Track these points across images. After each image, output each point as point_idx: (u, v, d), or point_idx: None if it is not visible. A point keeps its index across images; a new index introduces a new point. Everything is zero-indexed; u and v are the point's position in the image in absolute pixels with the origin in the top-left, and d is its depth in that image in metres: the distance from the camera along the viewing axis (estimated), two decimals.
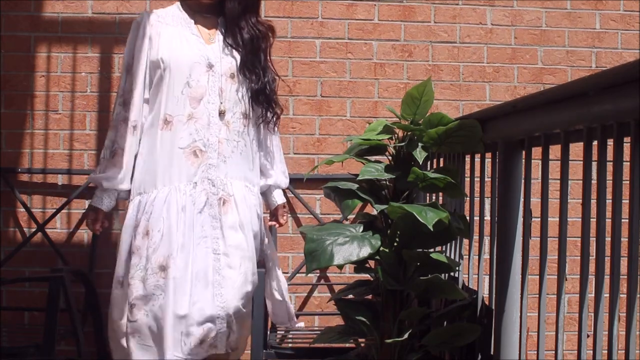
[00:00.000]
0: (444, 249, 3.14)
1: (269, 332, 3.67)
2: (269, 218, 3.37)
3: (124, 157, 3.02)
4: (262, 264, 3.30)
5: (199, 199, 2.99)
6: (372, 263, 2.82)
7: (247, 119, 3.10)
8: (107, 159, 3.06)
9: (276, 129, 3.25)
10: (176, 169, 3.00)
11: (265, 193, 3.33)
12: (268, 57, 3.14)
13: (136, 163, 3.05)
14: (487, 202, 2.87)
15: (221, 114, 3.02)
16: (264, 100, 3.11)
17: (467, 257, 2.89)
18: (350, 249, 2.59)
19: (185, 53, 3.02)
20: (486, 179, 2.75)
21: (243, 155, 3.09)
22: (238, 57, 3.07)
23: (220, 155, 3.03)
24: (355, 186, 2.78)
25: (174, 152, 2.99)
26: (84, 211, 4.09)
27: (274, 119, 3.19)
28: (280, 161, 3.32)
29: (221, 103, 3.02)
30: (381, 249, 2.63)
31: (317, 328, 4.19)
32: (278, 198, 3.34)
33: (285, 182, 3.35)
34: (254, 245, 3.12)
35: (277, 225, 3.38)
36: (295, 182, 4.07)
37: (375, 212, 2.80)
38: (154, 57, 3.02)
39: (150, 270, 2.93)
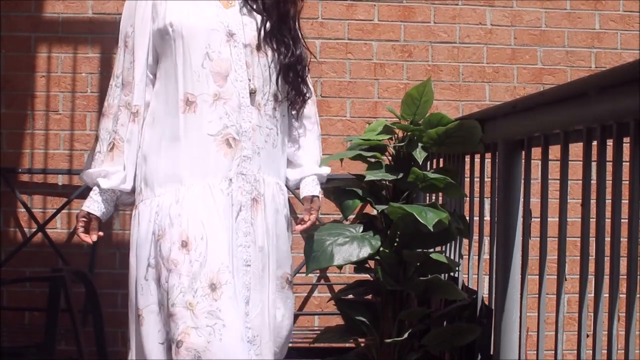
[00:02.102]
0: (443, 249, 3.14)
1: None
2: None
3: (125, 150, 2.44)
4: None
5: (236, 200, 2.39)
6: (372, 263, 2.83)
7: (277, 102, 2.51)
8: (103, 152, 2.44)
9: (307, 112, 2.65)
10: (207, 160, 2.40)
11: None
12: (298, 26, 2.59)
13: (139, 158, 2.46)
14: (487, 202, 2.87)
15: (252, 94, 2.43)
16: (294, 79, 2.54)
17: (467, 257, 2.89)
18: (350, 249, 2.60)
19: (200, 17, 2.43)
20: (486, 179, 2.76)
21: (275, 146, 2.52)
22: (262, 24, 2.50)
23: (254, 146, 2.43)
24: (355, 186, 2.79)
25: (202, 140, 2.38)
26: None
27: (302, 102, 2.60)
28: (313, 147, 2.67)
29: (249, 80, 2.43)
30: (381, 249, 2.63)
31: (317, 328, 4.19)
32: (308, 189, 2.62)
33: (319, 170, 2.65)
34: (286, 249, 2.54)
35: (303, 223, 2.58)
36: None
37: (375, 213, 2.80)
38: (160, 25, 2.43)
39: (200, 291, 2.26)
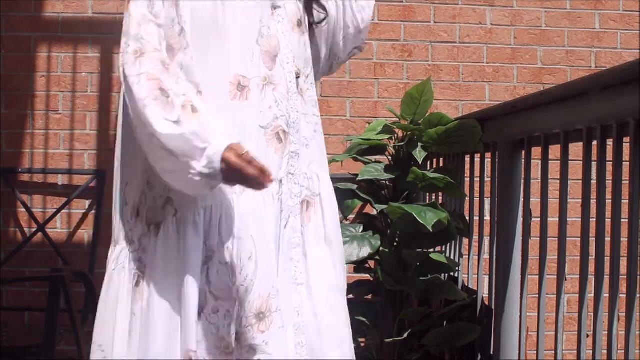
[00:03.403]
0: (443, 249, 3.15)
1: None
2: None
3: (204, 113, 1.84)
4: None
5: (286, 205, 1.97)
6: (372, 263, 2.83)
7: (314, 83, 2.15)
8: (184, 113, 1.81)
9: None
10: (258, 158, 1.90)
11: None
12: None
13: None
14: (487, 202, 2.87)
15: (297, 77, 2.04)
16: (343, 54, 2.23)
17: (467, 257, 2.89)
18: (350, 249, 2.60)
19: None
20: (486, 179, 2.76)
21: (322, 136, 2.13)
22: None
23: (302, 138, 2.03)
24: (355, 186, 2.79)
25: (254, 134, 1.93)
26: (84, 211, 4.09)
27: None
28: None
29: (293, 61, 2.02)
30: (381, 249, 2.64)
31: None
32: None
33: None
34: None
35: None
36: None
37: (375, 212, 2.80)
38: None
39: (244, 321, 1.85)
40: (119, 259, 1.94)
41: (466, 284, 2.92)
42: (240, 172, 1.78)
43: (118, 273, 1.93)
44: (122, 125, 1.97)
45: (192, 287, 1.83)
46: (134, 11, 1.88)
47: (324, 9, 2.14)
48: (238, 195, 1.90)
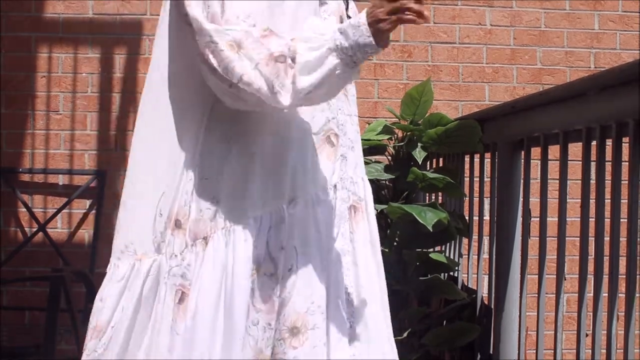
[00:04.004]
0: (443, 248, 3.15)
1: None
2: None
3: None
4: None
5: (338, 211, 1.88)
6: None
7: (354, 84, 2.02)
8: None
9: None
10: (310, 166, 1.85)
11: None
12: None
13: (216, 167, 1.79)
14: (487, 202, 2.88)
15: None
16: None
17: (467, 256, 2.90)
18: None
19: None
20: (485, 179, 2.76)
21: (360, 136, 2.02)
22: None
23: (348, 140, 1.93)
24: None
25: (306, 140, 1.84)
26: (84, 211, 4.10)
27: None
28: None
29: None
30: (381, 248, 2.64)
31: None
32: None
33: None
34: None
35: None
36: None
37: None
38: None
39: (278, 334, 1.78)
40: (150, 271, 1.80)
41: (466, 284, 2.92)
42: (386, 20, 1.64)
43: (151, 287, 1.79)
44: (159, 133, 1.81)
45: (239, 302, 1.75)
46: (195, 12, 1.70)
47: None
48: (287, 205, 1.80)
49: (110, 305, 1.81)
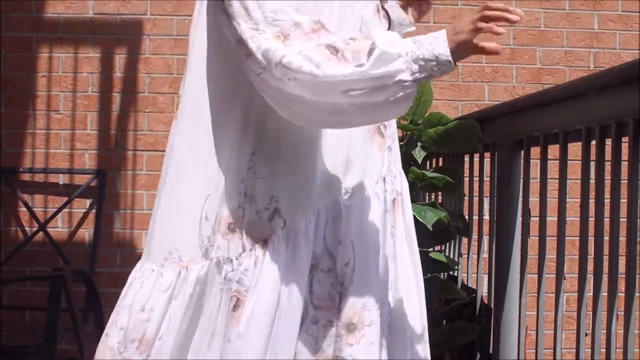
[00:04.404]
0: (443, 248, 3.16)
1: None
2: None
3: None
4: None
5: (389, 205, 1.84)
6: None
7: None
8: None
9: None
10: (362, 156, 1.79)
11: None
12: None
13: (272, 166, 1.71)
14: (486, 201, 2.89)
15: None
16: None
17: (467, 256, 2.90)
18: None
19: None
20: (485, 179, 2.77)
21: None
22: None
23: (392, 133, 1.88)
24: None
25: (359, 132, 1.77)
26: (85, 210, 4.10)
27: None
28: None
29: None
30: None
31: None
32: None
33: None
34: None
35: None
36: None
37: None
38: None
39: (335, 331, 1.73)
40: (199, 279, 1.70)
41: (465, 283, 2.93)
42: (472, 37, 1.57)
43: (200, 295, 1.70)
44: (203, 135, 1.74)
45: (297, 300, 1.68)
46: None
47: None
48: (343, 198, 1.75)
49: (157, 317, 1.70)
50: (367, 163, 1.78)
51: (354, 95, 1.54)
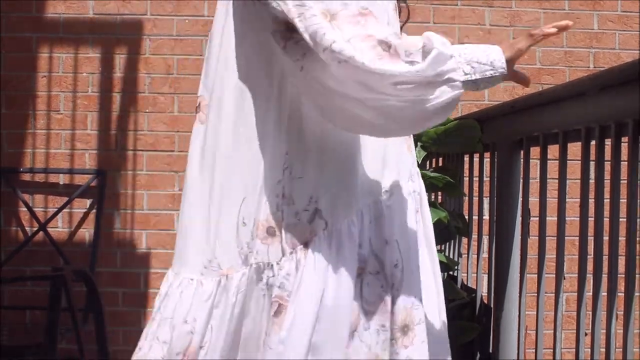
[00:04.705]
0: (443, 248, 3.16)
1: None
2: None
3: None
4: None
5: (416, 204, 1.82)
6: None
7: None
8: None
9: None
10: (396, 153, 1.77)
11: None
12: None
13: (310, 165, 1.65)
14: (486, 201, 2.89)
15: None
16: None
17: (466, 256, 2.90)
18: None
19: None
20: (485, 179, 2.77)
21: None
22: None
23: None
24: None
25: None
26: (85, 210, 4.10)
27: None
28: None
29: None
30: None
31: None
32: None
33: None
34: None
35: None
36: None
37: None
38: None
39: (390, 334, 1.68)
40: (240, 286, 1.65)
41: (465, 283, 2.93)
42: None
43: (243, 303, 1.65)
44: (234, 137, 1.68)
45: (344, 305, 1.62)
46: None
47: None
48: (384, 197, 1.71)
49: (200, 328, 1.65)
50: (400, 162, 1.76)
51: (401, 89, 1.49)
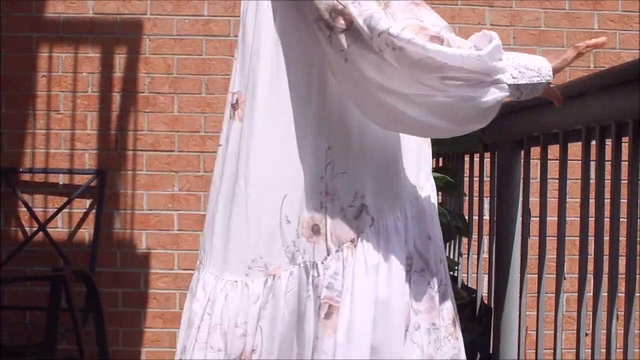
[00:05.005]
0: None
1: None
2: None
3: None
4: None
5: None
6: None
7: None
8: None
9: None
10: (424, 153, 1.79)
11: None
12: None
13: (353, 160, 1.62)
14: (486, 201, 2.89)
15: None
16: None
17: (467, 256, 2.90)
18: None
19: None
20: (485, 179, 2.77)
21: None
22: None
23: None
24: None
25: None
26: (85, 210, 4.10)
27: None
28: None
29: None
30: None
31: None
32: None
33: None
34: None
35: None
36: None
37: None
38: None
39: (444, 331, 1.68)
40: (289, 286, 1.60)
41: (465, 283, 2.93)
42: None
43: (292, 303, 1.61)
44: (273, 133, 1.64)
45: (398, 303, 1.58)
46: None
47: None
48: (421, 192, 1.69)
49: (251, 330, 1.61)
50: (426, 158, 1.76)
51: (449, 84, 1.48)
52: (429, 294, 1.63)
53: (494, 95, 1.53)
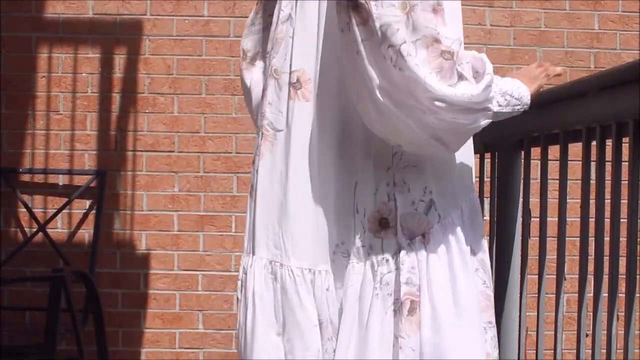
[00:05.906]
0: None
1: None
2: None
3: None
4: None
5: None
6: None
7: None
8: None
9: None
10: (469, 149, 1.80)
11: None
12: None
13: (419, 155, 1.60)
14: (487, 202, 2.88)
15: None
16: None
17: None
18: None
19: None
20: (485, 179, 2.76)
21: None
22: None
23: None
24: None
25: None
26: (84, 211, 4.10)
27: None
28: None
29: None
30: None
31: None
32: None
33: None
34: None
35: None
36: None
37: None
38: None
39: (490, 332, 1.70)
40: (353, 284, 1.57)
41: None
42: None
43: (357, 303, 1.57)
44: (337, 120, 1.61)
45: (473, 300, 1.57)
46: None
47: None
48: (472, 191, 1.70)
49: (335, 321, 1.59)
50: (473, 158, 1.77)
51: (439, 106, 1.48)
52: (484, 293, 1.64)
53: (479, 122, 1.55)
